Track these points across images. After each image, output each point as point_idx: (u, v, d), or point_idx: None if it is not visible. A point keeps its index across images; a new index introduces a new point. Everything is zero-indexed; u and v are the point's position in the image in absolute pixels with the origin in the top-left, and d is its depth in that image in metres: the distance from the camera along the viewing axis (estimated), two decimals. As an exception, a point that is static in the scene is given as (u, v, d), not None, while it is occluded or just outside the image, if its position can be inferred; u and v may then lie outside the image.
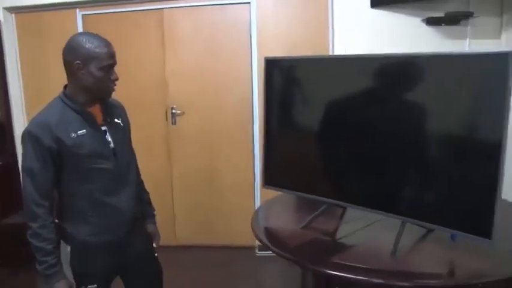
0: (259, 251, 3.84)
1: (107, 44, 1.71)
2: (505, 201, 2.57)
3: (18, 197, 3.89)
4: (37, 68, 3.95)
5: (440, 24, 3.37)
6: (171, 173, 3.90)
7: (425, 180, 1.88)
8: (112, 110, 1.86)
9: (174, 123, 3.84)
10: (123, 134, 1.89)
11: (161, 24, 3.74)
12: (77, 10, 3.82)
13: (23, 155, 1.69)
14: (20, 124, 4.02)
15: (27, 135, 1.67)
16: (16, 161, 3.97)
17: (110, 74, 1.72)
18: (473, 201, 1.70)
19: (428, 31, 3.40)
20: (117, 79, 1.75)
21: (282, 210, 2.61)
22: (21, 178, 1.73)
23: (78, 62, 1.67)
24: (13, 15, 3.92)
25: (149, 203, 2.14)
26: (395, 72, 1.94)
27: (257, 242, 3.81)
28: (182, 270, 3.47)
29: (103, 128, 1.78)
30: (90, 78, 1.69)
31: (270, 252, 3.69)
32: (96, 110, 1.78)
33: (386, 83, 1.97)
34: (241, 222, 3.78)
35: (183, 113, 3.83)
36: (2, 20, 3.83)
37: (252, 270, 3.66)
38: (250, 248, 3.88)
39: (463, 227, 1.73)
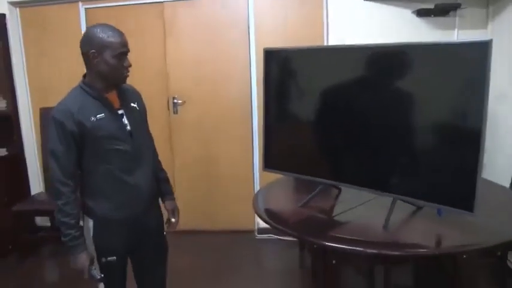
0: (258, 234, 4.00)
1: (120, 34, 1.86)
2: (491, 182, 2.76)
3: (25, 186, 4.04)
4: (41, 60, 4.07)
5: (430, 16, 3.52)
6: (173, 160, 4.04)
7: (414, 160, 2.05)
8: (128, 95, 2.01)
9: (175, 112, 3.98)
10: (140, 117, 2.03)
11: (162, 16, 3.87)
12: (80, 4, 3.93)
13: (49, 138, 1.85)
14: (25, 116, 4.14)
15: (52, 120, 1.82)
16: (23, 152, 4.10)
17: (123, 61, 1.87)
18: (458, 179, 1.86)
19: (419, 22, 3.55)
20: (130, 65, 1.89)
21: (280, 192, 2.78)
22: (48, 160, 1.89)
23: (93, 51, 1.82)
24: (18, 9, 4.04)
25: (167, 181, 2.27)
26: (385, 61, 2.09)
27: (256, 226, 3.99)
28: (185, 254, 3.63)
29: (120, 112, 1.93)
30: (105, 66, 1.84)
31: (269, 235, 3.92)
32: (113, 96, 1.93)
33: (378, 71, 2.13)
34: (241, 207, 3.97)
35: (184, 103, 3.97)
36: (8, 14, 3.94)
37: (252, 252, 3.82)
38: (250, 232, 4.04)
39: (449, 202, 1.89)
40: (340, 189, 2.53)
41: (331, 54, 2.42)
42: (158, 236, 2.18)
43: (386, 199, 2.09)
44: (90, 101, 1.86)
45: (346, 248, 1.90)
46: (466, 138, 1.81)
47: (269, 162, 2.59)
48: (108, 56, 1.82)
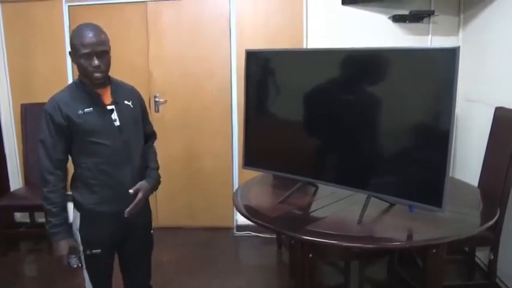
0: (237, 231, 4.08)
1: (90, 34, 1.88)
2: (461, 181, 2.90)
3: (5, 182, 4.02)
4: (24, 57, 4.06)
5: (405, 21, 3.66)
6: (154, 159, 4.09)
7: (387, 160, 2.17)
8: (122, 92, 2.07)
9: (157, 111, 4.04)
10: (132, 114, 2.08)
11: (145, 16, 3.93)
12: (63, 1, 3.95)
13: (40, 128, 1.93)
14: (6, 111, 4.15)
15: (43, 112, 1.92)
16: (3, 147, 4.10)
17: (90, 62, 1.89)
18: (428, 177, 1.98)
19: (394, 27, 3.69)
20: (95, 66, 1.89)
21: (260, 188, 2.85)
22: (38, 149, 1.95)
23: (69, 51, 1.95)
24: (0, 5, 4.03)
25: (156, 169, 2.23)
26: (360, 64, 2.21)
27: (235, 223, 4.07)
28: (165, 249, 3.67)
29: (109, 108, 1.99)
30: (78, 65, 1.93)
31: (248, 232, 3.99)
32: (106, 92, 2.01)
33: (353, 74, 2.24)
34: (220, 204, 4.07)
35: (165, 101, 4.04)
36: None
37: (231, 249, 3.90)
38: (229, 229, 4.12)
39: (419, 199, 2.02)
40: (317, 187, 2.63)
41: (309, 57, 2.52)
42: (145, 233, 2.24)
43: (361, 196, 2.20)
44: (81, 95, 1.95)
45: (322, 242, 2.00)
46: (436, 139, 1.93)
47: (249, 160, 2.68)
48: (76, 56, 1.90)
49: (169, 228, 4.07)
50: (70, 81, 3.88)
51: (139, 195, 2.04)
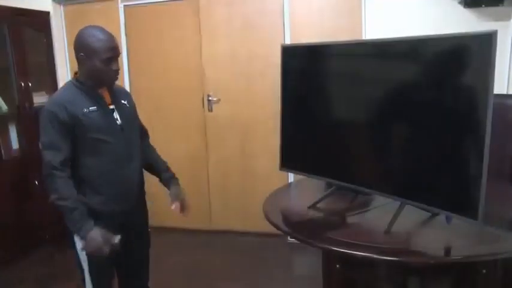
0: (290, 237, 3.88)
1: (108, 38, 1.91)
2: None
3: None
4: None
5: (481, 6, 3.23)
6: (208, 159, 4.02)
7: (423, 166, 1.88)
8: (117, 92, 2.08)
9: (210, 110, 3.97)
10: (130, 113, 2.10)
11: (197, 13, 3.87)
12: (119, 1, 4.01)
13: (42, 131, 1.90)
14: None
15: (45, 112, 1.89)
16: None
17: (111, 65, 1.91)
18: (462, 184, 1.71)
19: (466, 13, 3.27)
20: (117, 69, 1.94)
21: (297, 192, 2.75)
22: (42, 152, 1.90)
23: (82, 54, 1.90)
24: (62, 6, 4.19)
25: (168, 168, 2.28)
26: (403, 56, 1.96)
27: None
28: (214, 253, 3.64)
29: (111, 107, 2.00)
30: (93, 69, 1.90)
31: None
32: (104, 92, 2.01)
33: (393, 67, 2.00)
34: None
35: (218, 100, 3.95)
36: (52, 11, 4.10)
37: (282, 256, 3.74)
38: (283, 235, 3.91)
39: (455, 209, 1.73)
40: (357, 193, 2.38)
41: (352, 50, 2.25)
42: (144, 232, 2.24)
43: (397, 204, 1.95)
44: (82, 95, 1.94)
45: (348, 253, 1.79)
46: (470, 141, 1.68)
47: (286, 162, 2.54)
48: (96, 60, 1.88)
49: (221, 232, 3.99)
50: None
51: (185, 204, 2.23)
